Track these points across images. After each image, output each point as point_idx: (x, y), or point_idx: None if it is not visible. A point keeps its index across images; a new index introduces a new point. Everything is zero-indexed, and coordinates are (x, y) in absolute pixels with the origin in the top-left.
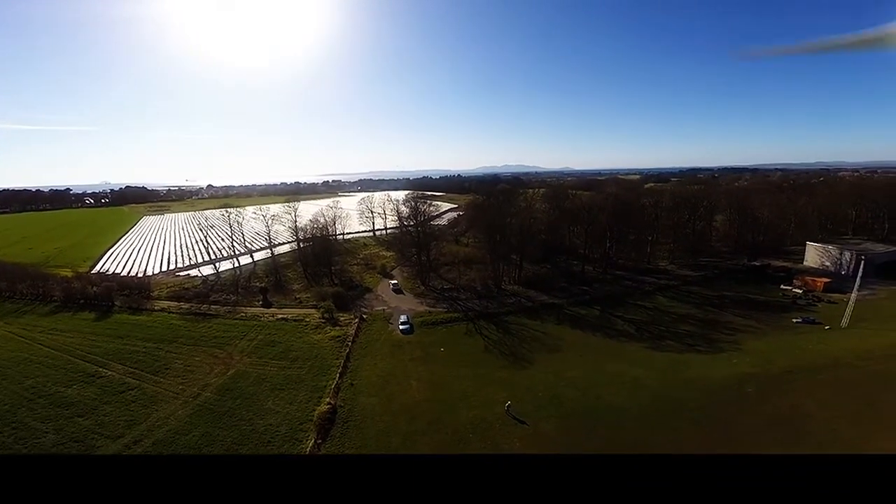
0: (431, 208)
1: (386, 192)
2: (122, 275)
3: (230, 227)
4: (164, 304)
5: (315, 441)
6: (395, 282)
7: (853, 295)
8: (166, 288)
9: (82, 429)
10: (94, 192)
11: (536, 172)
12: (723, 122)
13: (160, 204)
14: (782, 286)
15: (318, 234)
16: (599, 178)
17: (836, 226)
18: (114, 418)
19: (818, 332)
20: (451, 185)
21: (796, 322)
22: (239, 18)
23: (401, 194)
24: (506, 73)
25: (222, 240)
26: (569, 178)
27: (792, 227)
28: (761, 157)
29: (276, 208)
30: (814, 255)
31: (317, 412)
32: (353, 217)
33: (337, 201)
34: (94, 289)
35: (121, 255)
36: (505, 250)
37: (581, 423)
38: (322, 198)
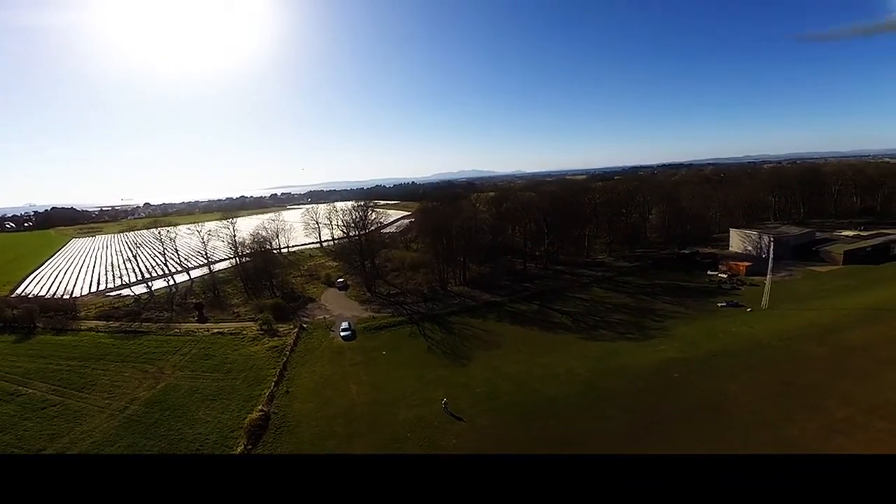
0: (380, 216)
1: (332, 203)
2: (44, 297)
3: (162, 245)
4: (92, 323)
5: (245, 447)
6: (341, 281)
7: (768, 277)
8: (94, 308)
9: (1, 443)
10: (14, 216)
11: (490, 176)
12: (660, 122)
13: (91, 225)
14: (709, 272)
15: (258, 248)
16: (548, 179)
17: (759, 212)
18: (35, 433)
19: (741, 315)
20: (405, 192)
21: (721, 306)
22: (174, 22)
23: (349, 204)
24: (459, 78)
25: (156, 258)
26: (519, 181)
27: (719, 216)
28: (695, 154)
29: (213, 224)
30: (737, 240)
31: (247, 420)
32: (299, 229)
33: (279, 214)
34: (14, 311)
35: (46, 278)
36: (450, 253)
37: (516, 416)
38: (269, 211)
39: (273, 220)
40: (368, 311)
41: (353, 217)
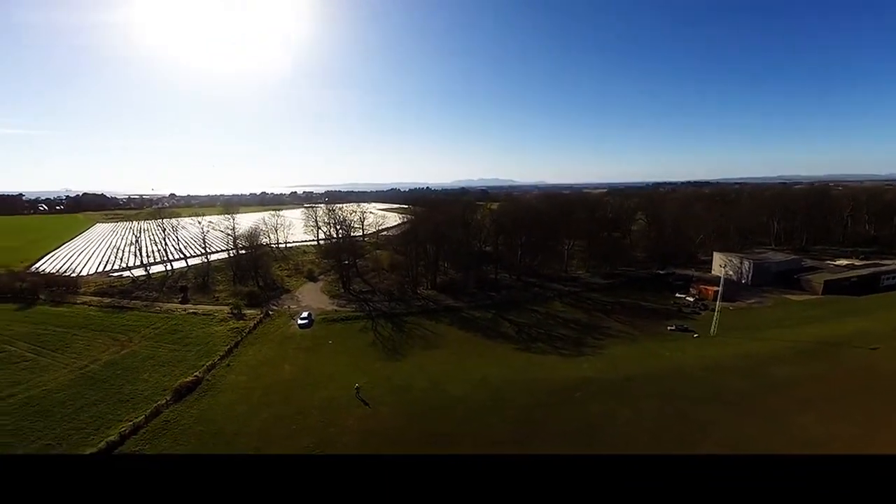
0: (379, 219)
1: (334, 205)
2: (51, 273)
3: (164, 233)
4: (88, 298)
5: (166, 401)
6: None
7: (718, 304)
8: (94, 285)
9: None
10: (48, 199)
11: (510, 186)
12: (691, 140)
13: (117, 212)
14: (678, 294)
15: (250, 242)
16: (563, 192)
17: (760, 236)
18: (1, 380)
19: (684, 341)
20: (417, 198)
21: (670, 329)
22: (212, 23)
23: (353, 206)
24: (485, 86)
25: (163, 245)
26: (533, 192)
27: (713, 237)
28: (726, 172)
29: (214, 217)
30: (719, 263)
31: (178, 382)
32: (299, 227)
33: (279, 211)
34: (22, 284)
35: (62, 257)
36: (426, 258)
37: (417, 410)
38: (284, 208)
39: (273, 217)
40: (334, 305)
41: (337, 218)
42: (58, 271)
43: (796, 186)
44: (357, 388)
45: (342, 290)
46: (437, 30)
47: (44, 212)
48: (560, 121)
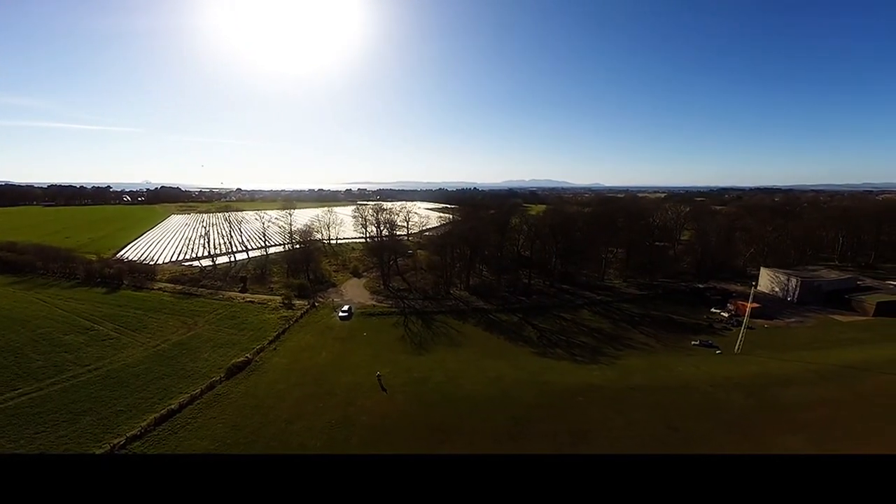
0: (423, 219)
1: (381, 204)
2: (134, 261)
3: (229, 227)
4: (163, 285)
5: (220, 378)
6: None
7: (745, 321)
8: (169, 273)
9: (64, 360)
10: (131, 191)
11: (563, 188)
12: (763, 142)
13: (190, 204)
14: (713, 309)
15: (303, 238)
16: (617, 195)
17: (821, 252)
18: (89, 355)
19: (704, 356)
20: (461, 198)
21: (694, 344)
22: (275, 33)
23: (399, 205)
24: (542, 85)
25: (229, 237)
26: (585, 195)
27: (765, 252)
28: (802, 177)
29: (274, 213)
30: (766, 280)
31: (231, 361)
32: (349, 223)
33: (332, 209)
34: (109, 270)
35: (142, 246)
36: (461, 259)
37: (428, 399)
38: (338, 205)
39: (326, 214)
40: (373, 301)
41: (382, 217)
42: (139, 259)
43: (881, 196)
44: (378, 375)
45: (382, 287)
46: (487, 30)
47: (127, 202)
48: (619, 121)
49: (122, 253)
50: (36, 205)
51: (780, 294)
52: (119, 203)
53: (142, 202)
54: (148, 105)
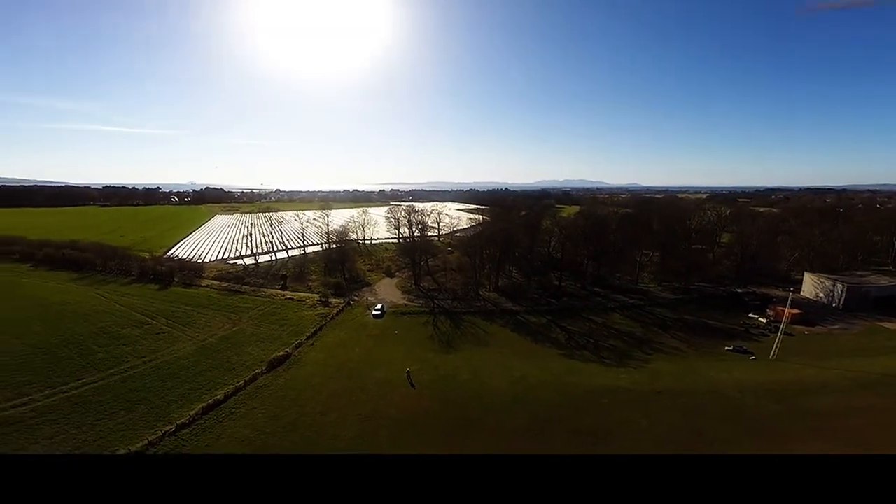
0: (454, 220)
1: (413, 205)
2: (183, 259)
3: (270, 227)
4: (210, 282)
5: (261, 371)
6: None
7: (782, 326)
8: (215, 271)
9: (123, 352)
10: (178, 192)
11: (597, 188)
12: (822, 137)
13: (232, 205)
14: (750, 314)
15: (339, 238)
16: (655, 195)
17: (875, 256)
18: (145, 347)
19: (737, 362)
20: (491, 199)
21: (727, 350)
22: (313, 35)
23: (430, 206)
24: (576, 83)
25: (271, 236)
26: (622, 195)
27: (811, 257)
28: (857, 177)
29: (311, 213)
30: (810, 285)
31: (272, 355)
32: (382, 224)
33: (366, 210)
34: (161, 268)
35: (190, 245)
36: (490, 261)
37: (454, 396)
38: (371, 205)
39: (361, 214)
40: (404, 300)
41: (414, 219)
42: (187, 258)
43: None
44: (408, 372)
45: (413, 287)
46: (519, 27)
47: (175, 203)
48: (658, 119)
49: (172, 251)
50: (93, 205)
51: (825, 300)
52: (167, 203)
53: (188, 202)
54: (190, 108)
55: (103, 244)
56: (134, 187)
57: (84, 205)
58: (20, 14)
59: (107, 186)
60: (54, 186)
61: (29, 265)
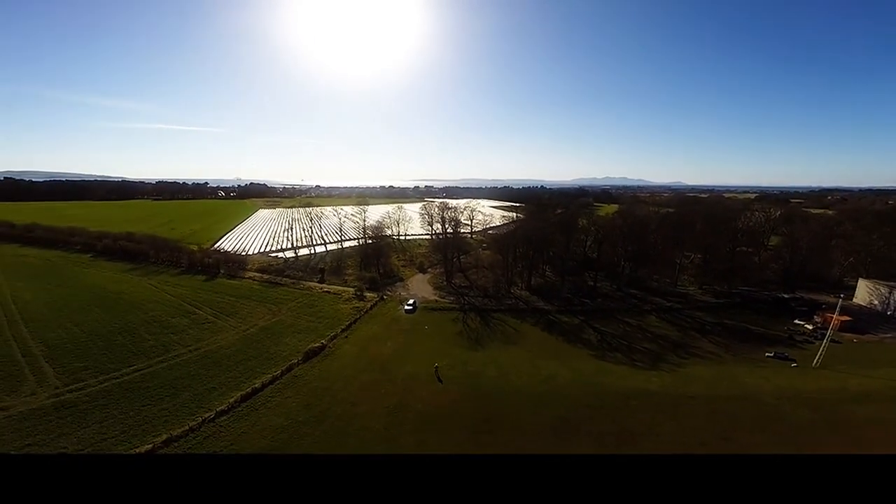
0: (487, 217)
1: (447, 202)
2: (228, 251)
3: (311, 222)
4: (252, 274)
5: (297, 361)
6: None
7: (829, 333)
8: (257, 263)
9: (171, 340)
10: (225, 187)
11: (638, 186)
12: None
13: (275, 199)
14: (796, 320)
15: (375, 234)
16: (700, 195)
17: None
18: (191, 336)
19: (777, 369)
20: (525, 197)
21: (767, 356)
22: (350, 35)
23: (463, 203)
24: (614, 78)
25: (310, 231)
26: (665, 194)
27: (868, 262)
28: None
29: (349, 209)
30: (864, 292)
31: (308, 347)
32: (416, 220)
33: (401, 207)
34: (208, 260)
35: (235, 238)
36: (523, 259)
37: (480, 392)
38: (406, 202)
39: (396, 210)
40: (436, 296)
41: (447, 216)
42: (232, 250)
43: None
44: (436, 367)
45: (445, 283)
46: (553, 25)
47: (221, 197)
48: (703, 118)
49: (218, 244)
50: (146, 199)
51: (880, 307)
52: (214, 198)
53: (233, 197)
54: (235, 108)
55: (156, 236)
56: (184, 182)
57: (139, 199)
58: (95, 23)
59: (159, 181)
60: (112, 181)
61: (90, 255)
